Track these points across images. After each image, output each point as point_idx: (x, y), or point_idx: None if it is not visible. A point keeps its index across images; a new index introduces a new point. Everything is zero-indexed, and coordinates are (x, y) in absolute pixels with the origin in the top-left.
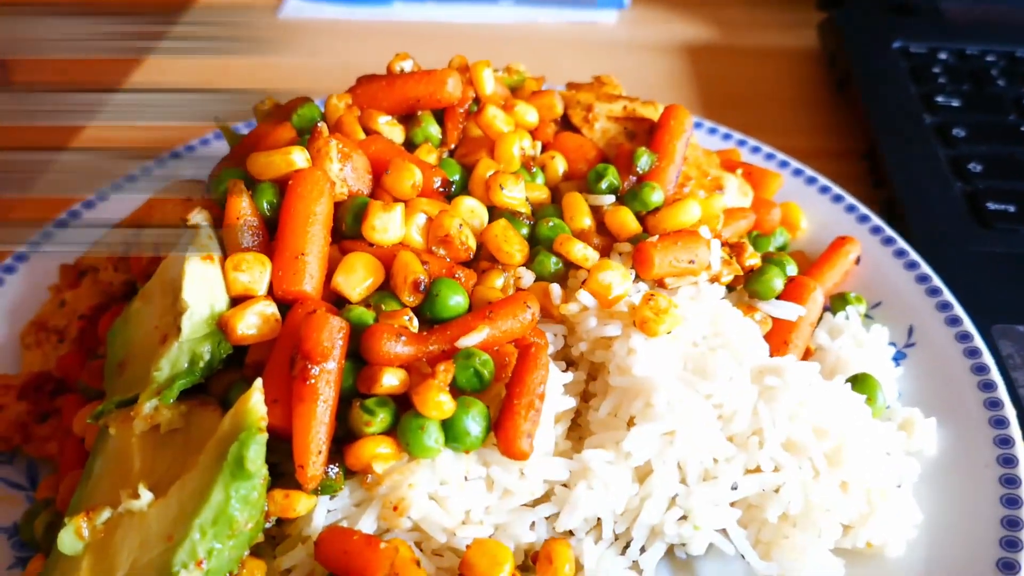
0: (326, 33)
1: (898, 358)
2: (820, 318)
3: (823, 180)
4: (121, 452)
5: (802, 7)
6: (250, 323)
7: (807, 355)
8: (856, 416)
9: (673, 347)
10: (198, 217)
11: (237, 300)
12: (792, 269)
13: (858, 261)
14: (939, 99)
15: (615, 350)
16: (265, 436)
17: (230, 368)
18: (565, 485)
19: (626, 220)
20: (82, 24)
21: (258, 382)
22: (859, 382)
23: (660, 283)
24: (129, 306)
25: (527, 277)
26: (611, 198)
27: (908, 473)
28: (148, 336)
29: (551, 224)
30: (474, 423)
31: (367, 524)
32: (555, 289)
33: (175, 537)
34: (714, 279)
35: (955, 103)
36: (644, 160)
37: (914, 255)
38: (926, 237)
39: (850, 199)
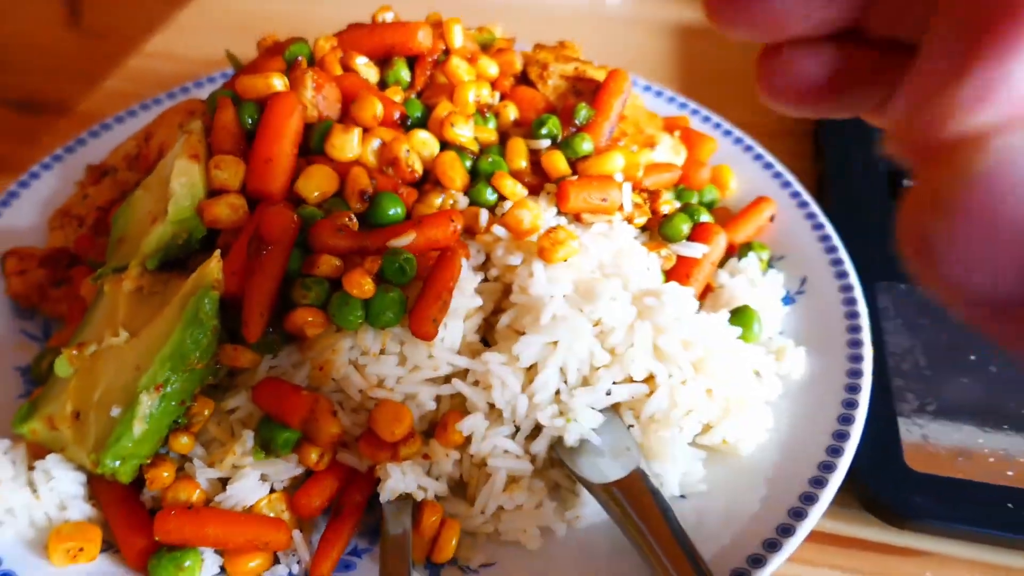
0: None
1: (787, 301)
2: (725, 260)
3: (758, 149)
4: (111, 305)
5: None
6: (222, 211)
7: (707, 290)
8: (723, 335)
9: (568, 273)
10: (193, 125)
11: (215, 193)
12: (705, 217)
13: (772, 219)
14: None
15: (519, 272)
16: (217, 294)
17: (205, 251)
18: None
19: (557, 163)
20: None
21: (217, 252)
22: (739, 312)
23: (578, 218)
24: (131, 194)
25: (463, 201)
26: (547, 143)
27: (770, 389)
28: (142, 219)
29: (491, 160)
30: (391, 305)
31: (299, 380)
32: (483, 214)
33: (142, 367)
34: (627, 219)
35: None
36: (583, 114)
37: (822, 218)
38: (844, 205)
39: (779, 167)
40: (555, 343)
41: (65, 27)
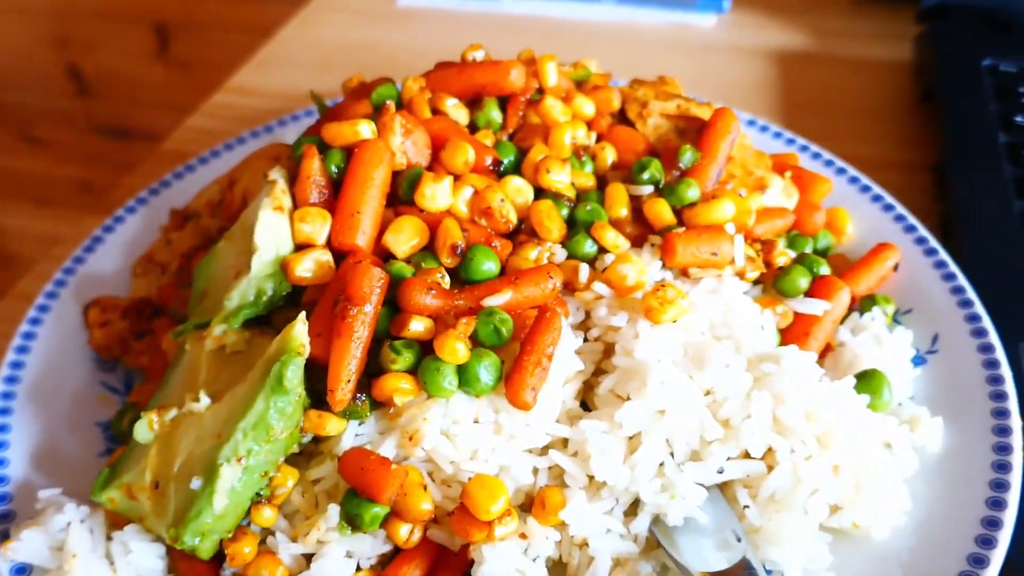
0: (436, 20)
1: (918, 362)
2: (846, 316)
3: (876, 189)
4: (192, 365)
5: (902, 19)
6: (307, 267)
7: (827, 350)
8: (850, 405)
9: (677, 335)
10: (276, 174)
11: (300, 247)
12: (824, 270)
13: (896, 268)
14: (1018, 119)
15: (622, 333)
16: (302, 359)
17: (290, 306)
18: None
19: (661, 211)
20: None
21: (302, 314)
22: (867, 376)
23: (685, 272)
24: (215, 245)
25: (560, 254)
26: (650, 189)
27: (905, 465)
28: (225, 271)
29: (589, 208)
30: (486, 372)
31: (387, 450)
32: (583, 268)
33: (223, 436)
34: (739, 274)
35: None
36: (688, 156)
37: (953, 267)
38: (975, 252)
39: (900, 208)
40: (662, 412)
41: (154, 58)
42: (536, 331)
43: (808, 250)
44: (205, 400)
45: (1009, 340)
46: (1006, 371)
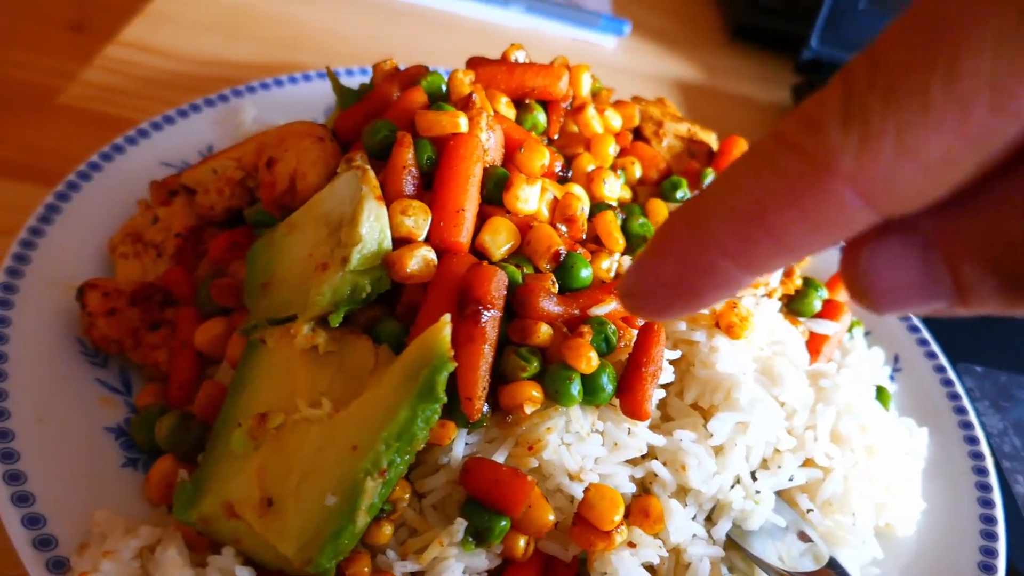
0: (346, 4)
1: (891, 378)
2: None
3: None
4: (281, 366)
5: (779, 66)
6: (414, 265)
7: None
8: (885, 417)
9: (747, 350)
10: (361, 160)
11: (398, 242)
12: (824, 292)
13: None
14: None
15: (700, 347)
16: (455, 365)
17: (374, 304)
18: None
19: None
20: None
21: (446, 316)
22: (878, 392)
23: None
24: (273, 231)
25: (627, 265)
26: None
27: (915, 470)
28: (298, 262)
29: (641, 222)
30: (609, 381)
31: (499, 459)
32: None
33: (361, 447)
34: (770, 294)
35: None
36: (711, 179)
37: None
38: None
39: None
40: (746, 423)
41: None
42: (649, 343)
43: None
44: (327, 406)
45: (951, 361)
46: (960, 388)
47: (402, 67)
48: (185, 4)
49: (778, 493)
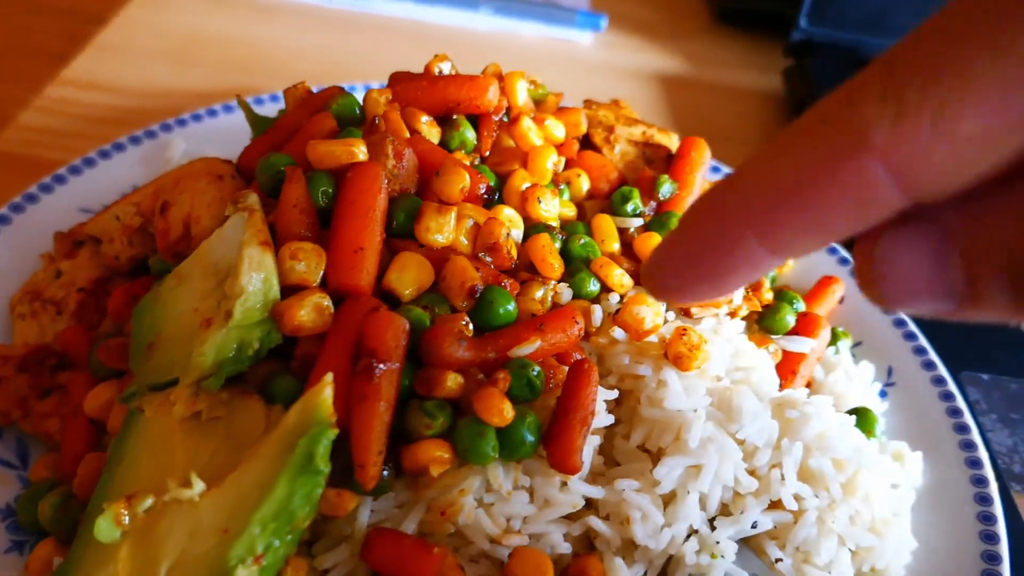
0: (302, 17)
1: (882, 395)
2: None
3: None
4: (158, 437)
5: (768, 51)
6: (305, 315)
7: (807, 386)
8: (865, 448)
9: (701, 382)
10: (250, 200)
11: (289, 290)
12: (800, 305)
13: (842, 301)
14: None
15: (647, 381)
16: (335, 432)
17: (267, 359)
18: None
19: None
20: None
21: (328, 376)
22: (860, 415)
23: (686, 313)
24: (159, 285)
25: (566, 293)
26: (638, 221)
27: (904, 503)
28: (184, 318)
29: (583, 242)
30: (529, 433)
31: (409, 527)
32: (597, 311)
33: (232, 530)
34: (733, 313)
35: None
36: (666, 188)
37: None
38: None
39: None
40: (698, 467)
41: None
42: (577, 386)
43: (768, 284)
44: (199, 485)
45: (951, 370)
46: (961, 403)
47: (357, 87)
48: (133, 32)
49: (744, 541)
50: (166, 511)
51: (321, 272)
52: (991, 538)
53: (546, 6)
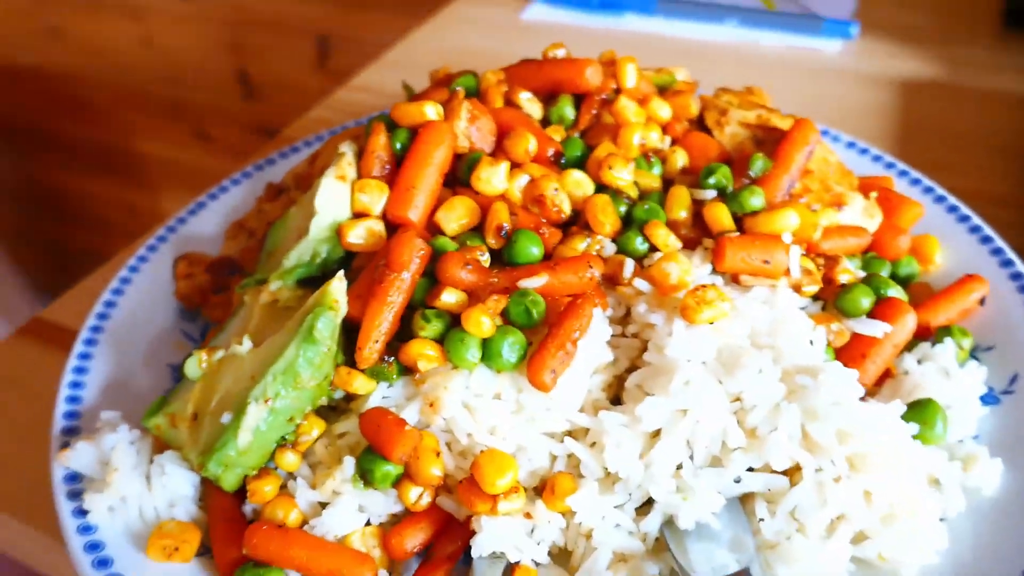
0: (560, 35)
1: (989, 400)
2: (914, 344)
3: (976, 220)
4: (247, 315)
5: None
6: (359, 233)
7: (886, 375)
8: (893, 429)
9: (713, 337)
10: (346, 147)
11: (357, 216)
12: (893, 292)
13: (983, 302)
14: None
15: (657, 330)
16: (334, 313)
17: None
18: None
19: (720, 216)
20: None
21: (340, 272)
22: (920, 405)
23: (736, 279)
24: (288, 211)
25: (610, 248)
26: (713, 194)
27: (951, 504)
28: (291, 234)
29: (647, 207)
30: (510, 349)
31: (410, 414)
32: (628, 264)
33: (256, 377)
34: (795, 287)
35: None
36: (758, 165)
37: None
38: None
39: (999, 242)
40: (684, 412)
41: (314, 68)
42: (566, 315)
43: (884, 273)
44: (247, 344)
45: None
46: None
47: None
48: (412, 51)
49: (741, 501)
50: (230, 361)
51: (382, 204)
52: None
53: (792, 16)
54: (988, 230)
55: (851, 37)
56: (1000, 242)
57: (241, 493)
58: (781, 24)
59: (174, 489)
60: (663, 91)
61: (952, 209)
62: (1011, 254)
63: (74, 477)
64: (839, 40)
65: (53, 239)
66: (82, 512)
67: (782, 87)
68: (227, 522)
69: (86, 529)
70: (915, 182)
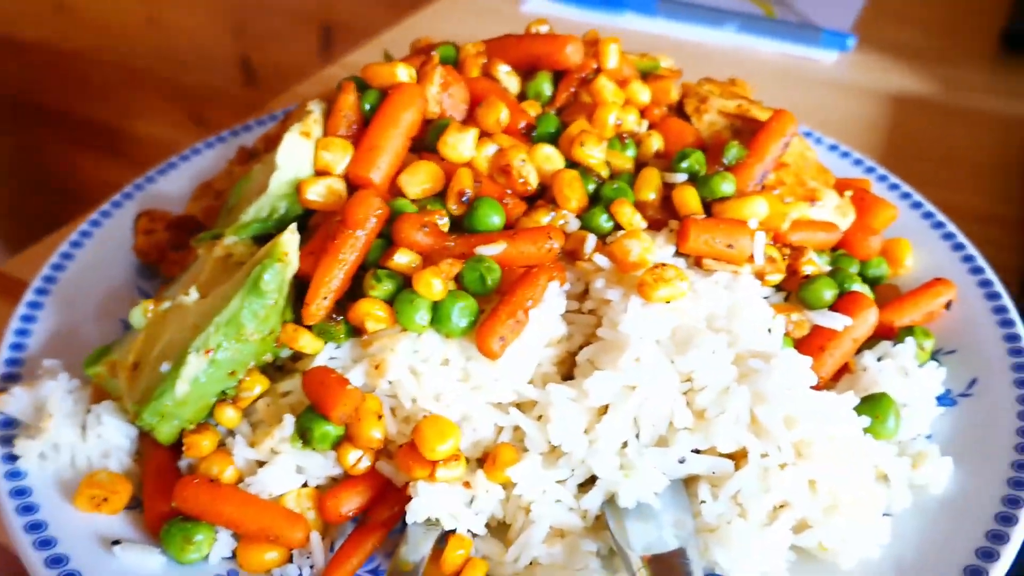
0: (559, 28)
1: (945, 402)
2: (876, 342)
3: (950, 227)
4: (198, 268)
5: None
6: (318, 191)
7: (844, 370)
8: (842, 420)
9: (668, 316)
10: (314, 105)
11: (319, 174)
12: (857, 287)
13: (948, 306)
14: None
15: (612, 306)
16: (283, 266)
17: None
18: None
19: (688, 199)
20: None
21: (292, 226)
22: (873, 400)
23: (699, 262)
24: (252, 168)
25: (573, 223)
26: (684, 177)
27: (896, 499)
28: (252, 190)
29: (616, 187)
30: (460, 314)
31: (355, 376)
32: (590, 240)
33: (199, 328)
34: (758, 274)
35: None
36: (732, 152)
37: (1013, 314)
38: None
39: (971, 249)
40: (632, 388)
41: (316, 55)
42: (520, 283)
43: (853, 271)
44: (194, 295)
45: None
46: None
47: None
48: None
49: (686, 484)
50: (174, 312)
51: (344, 163)
52: (988, 556)
53: (791, 25)
54: (961, 237)
55: (848, 49)
56: (972, 249)
57: (178, 448)
58: (780, 32)
59: (109, 439)
60: (646, 76)
61: (927, 215)
62: (981, 261)
63: (9, 423)
64: (835, 51)
65: (40, 214)
66: (12, 457)
67: (775, 93)
68: (160, 475)
69: (14, 475)
70: (893, 187)
